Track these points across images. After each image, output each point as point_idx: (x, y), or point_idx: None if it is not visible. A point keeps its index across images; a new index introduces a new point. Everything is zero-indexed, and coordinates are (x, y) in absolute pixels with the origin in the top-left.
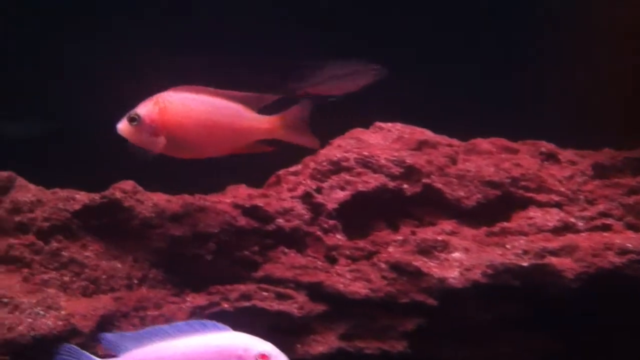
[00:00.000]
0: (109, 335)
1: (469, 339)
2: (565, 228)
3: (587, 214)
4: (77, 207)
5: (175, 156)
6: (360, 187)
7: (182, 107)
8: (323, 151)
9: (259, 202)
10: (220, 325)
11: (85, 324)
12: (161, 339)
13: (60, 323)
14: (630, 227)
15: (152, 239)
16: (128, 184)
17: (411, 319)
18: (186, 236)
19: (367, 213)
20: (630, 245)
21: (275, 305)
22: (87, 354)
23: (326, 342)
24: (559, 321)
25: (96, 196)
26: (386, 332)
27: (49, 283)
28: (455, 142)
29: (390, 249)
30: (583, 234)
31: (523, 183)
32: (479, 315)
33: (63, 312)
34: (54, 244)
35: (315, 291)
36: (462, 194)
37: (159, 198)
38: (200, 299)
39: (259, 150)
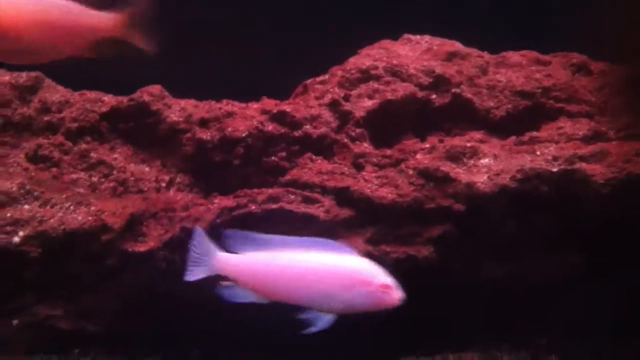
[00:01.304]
0: (230, 232)
1: (495, 251)
2: (595, 137)
3: (617, 125)
4: (105, 109)
5: (10, 62)
6: (389, 96)
7: (12, 7)
8: (352, 60)
9: (287, 108)
10: (347, 248)
11: (114, 220)
12: (286, 247)
13: (90, 218)
14: None
15: (180, 144)
16: (156, 88)
17: (438, 225)
18: (214, 141)
19: (395, 122)
20: None
21: (302, 208)
22: (212, 244)
23: (353, 246)
24: (588, 238)
25: (124, 99)
26: (413, 237)
27: (78, 183)
28: (485, 54)
29: (419, 156)
30: (613, 142)
31: (554, 93)
32: (506, 226)
33: (93, 209)
34: (83, 145)
35: (342, 196)
36: (491, 104)
37: (187, 103)
38: (227, 202)
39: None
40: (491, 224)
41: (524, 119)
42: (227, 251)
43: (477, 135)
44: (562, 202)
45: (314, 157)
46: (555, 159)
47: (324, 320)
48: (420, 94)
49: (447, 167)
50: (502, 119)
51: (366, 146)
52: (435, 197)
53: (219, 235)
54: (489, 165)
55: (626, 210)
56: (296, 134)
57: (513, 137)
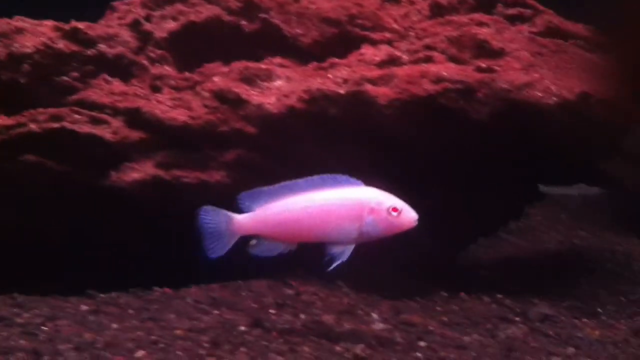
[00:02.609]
0: (245, 194)
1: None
2: (390, 62)
3: (412, 47)
4: None
5: None
6: (193, 17)
7: None
8: None
9: (81, 26)
10: (353, 179)
11: None
12: (297, 192)
13: None
14: (452, 59)
15: None
16: None
17: (231, 149)
18: (0, 58)
19: (203, 47)
20: (445, 73)
21: (87, 129)
22: (225, 210)
23: (142, 169)
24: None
25: None
26: (206, 162)
27: None
28: None
29: (215, 79)
30: (406, 66)
31: (359, 21)
32: (303, 150)
33: None
34: None
35: (133, 117)
36: (299, 31)
37: None
38: (9, 121)
39: None
40: (286, 147)
41: (331, 45)
42: (241, 212)
43: (277, 59)
44: (352, 124)
45: (109, 78)
46: (345, 81)
47: (344, 253)
48: (227, 18)
49: (240, 88)
50: (309, 46)
51: (167, 69)
52: (229, 119)
53: None
54: (281, 87)
55: (409, 132)
56: (90, 52)
57: (315, 63)
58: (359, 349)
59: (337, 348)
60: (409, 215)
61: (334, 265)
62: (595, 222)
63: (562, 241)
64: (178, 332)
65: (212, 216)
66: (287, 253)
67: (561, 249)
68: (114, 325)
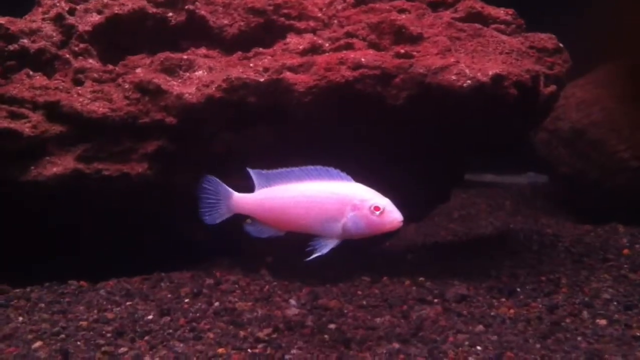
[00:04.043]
0: (252, 171)
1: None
2: (312, 50)
3: (334, 35)
4: None
5: None
6: (117, 10)
7: None
8: None
9: (2, 21)
10: (343, 174)
11: None
12: (291, 180)
13: None
14: (372, 45)
15: None
16: None
17: (152, 141)
18: None
19: (128, 40)
20: (364, 60)
21: (6, 124)
22: (226, 186)
23: (62, 163)
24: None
25: None
26: (127, 154)
27: None
28: None
29: (138, 70)
30: (326, 54)
31: (285, 11)
32: (219, 139)
33: None
34: None
35: (53, 111)
36: (226, 22)
37: None
38: None
39: None
40: (204, 137)
41: (256, 36)
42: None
43: (202, 50)
44: (270, 112)
45: (32, 73)
46: (265, 70)
47: (326, 246)
48: (152, 10)
49: (160, 79)
50: (234, 36)
51: (90, 62)
52: (150, 110)
53: None
54: (201, 77)
55: (328, 119)
56: (12, 47)
57: (239, 53)
58: (263, 333)
59: (242, 333)
60: (392, 216)
61: (312, 257)
62: (537, 208)
63: (498, 227)
64: (83, 323)
65: (213, 187)
66: (275, 238)
67: (493, 234)
68: (20, 319)
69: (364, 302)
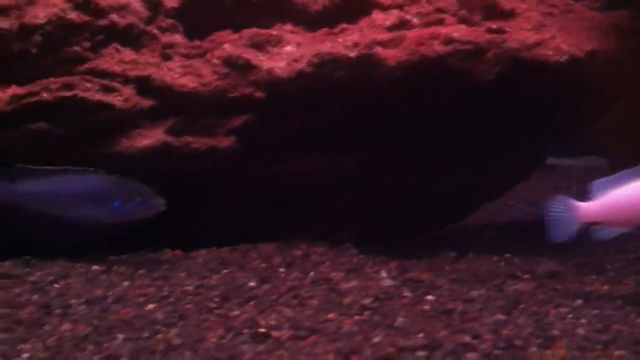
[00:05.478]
0: (596, 183)
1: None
2: (401, 25)
3: (423, 10)
4: None
5: None
6: None
7: None
8: None
9: None
10: None
11: None
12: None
13: None
14: (463, 21)
15: None
16: None
17: (240, 115)
18: (12, 29)
19: (213, 16)
20: (456, 35)
21: (98, 96)
22: (571, 199)
23: (152, 135)
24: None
25: None
26: (214, 128)
27: None
28: None
29: (225, 46)
30: (416, 29)
31: None
32: (303, 118)
33: None
34: None
35: (144, 85)
36: None
37: None
38: (20, 90)
39: None
40: (290, 116)
41: (340, 12)
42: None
43: (289, 26)
44: (354, 87)
45: (120, 47)
46: (355, 45)
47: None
48: None
49: (250, 54)
50: (318, 12)
51: (177, 37)
52: (238, 85)
53: None
54: (291, 52)
55: (418, 96)
56: (102, 22)
57: (325, 29)
58: (367, 301)
59: (345, 300)
60: None
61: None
62: None
63: None
64: (188, 288)
65: (558, 204)
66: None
67: None
68: (125, 283)
69: (454, 277)
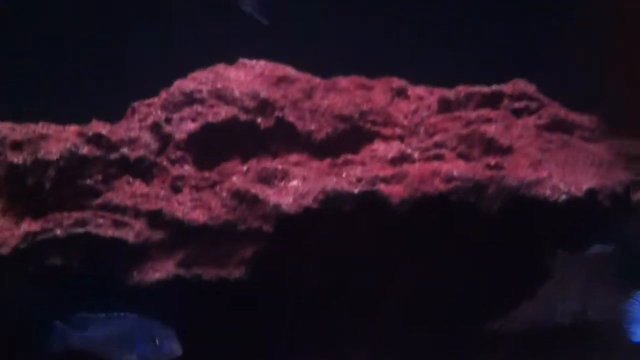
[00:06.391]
0: None
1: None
2: (402, 158)
3: (423, 145)
4: None
5: None
6: (210, 119)
7: None
8: (177, 82)
9: (103, 131)
10: None
11: None
12: None
13: None
14: (462, 156)
15: None
16: None
17: (249, 246)
18: (26, 164)
19: (220, 146)
20: (456, 172)
21: (110, 232)
22: None
23: (163, 268)
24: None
25: None
26: (225, 259)
27: None
28: (316, 79)
29: (234, 178)
30: (417, 164)
31: (371, 117)
32: (313, 246)
33: None
34: None
35: (154, 218)
36: (312, 127)
37: (3, 126)
38: (35, 225)
39: None
40: (299, 244)
41: (343, 141)
42: None
43: (294, 157)
44: (366, 222)
45: (131, 180)
46: (358, 180)
47: None
48: (244, 117)
49: (257, 188)
50: (323, 141)
51: (187, 169)
52: (246, 218)
53: None
54: (297, 187)
55: (423, 229)
56: (112, 156)
57: (329, 160)
58: None
59: None
60: None
61: None
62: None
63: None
64: None
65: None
66: None
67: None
68: None
69: None
